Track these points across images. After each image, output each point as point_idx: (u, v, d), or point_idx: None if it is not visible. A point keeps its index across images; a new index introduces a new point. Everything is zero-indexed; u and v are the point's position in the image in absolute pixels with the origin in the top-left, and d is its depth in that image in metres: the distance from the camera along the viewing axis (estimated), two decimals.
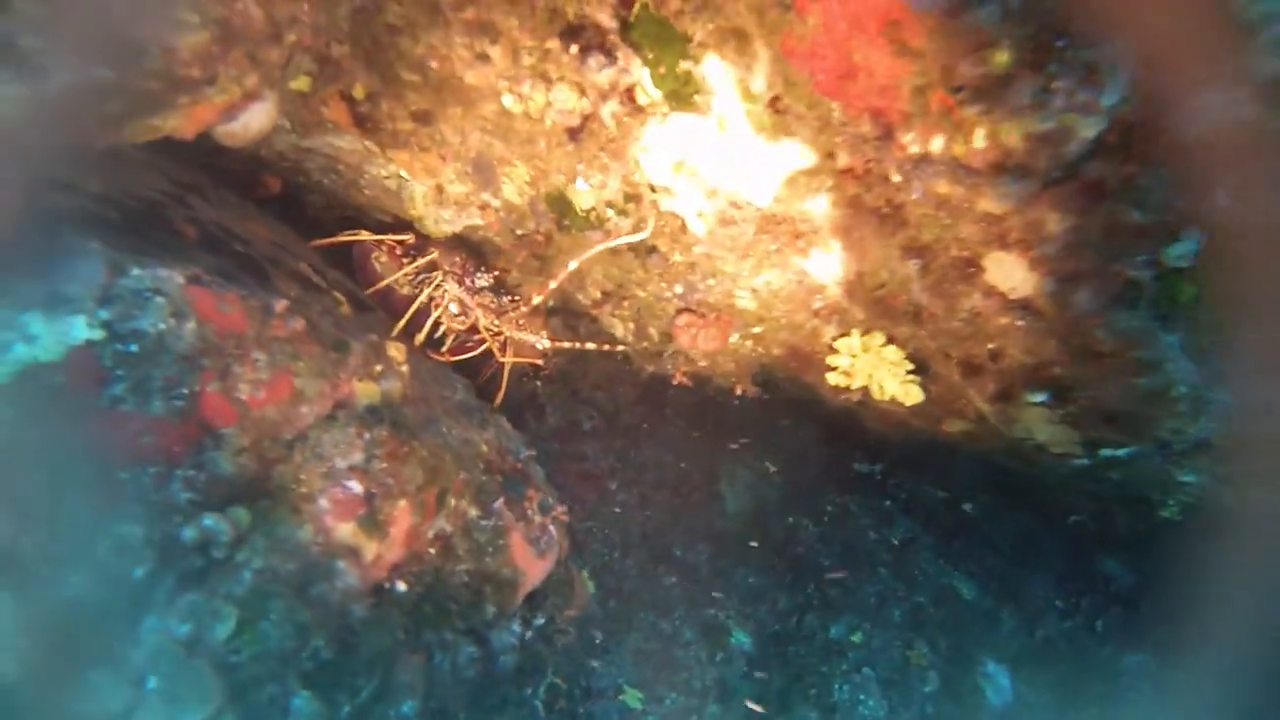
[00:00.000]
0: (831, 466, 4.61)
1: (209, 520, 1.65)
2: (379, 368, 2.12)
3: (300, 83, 2.00)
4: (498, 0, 1.78)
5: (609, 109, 1.84)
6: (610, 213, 2.37)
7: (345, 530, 1.74)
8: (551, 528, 2.46)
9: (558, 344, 3.24)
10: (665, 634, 3.66)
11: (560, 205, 2.39)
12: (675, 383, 2.82)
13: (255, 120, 1.98)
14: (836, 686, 3.70)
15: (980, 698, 3.80)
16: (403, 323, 2.88)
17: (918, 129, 1.35)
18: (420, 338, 2.97)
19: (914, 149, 1.37)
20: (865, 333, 2.01)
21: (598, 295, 2.72)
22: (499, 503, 2.32)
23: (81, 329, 1.50)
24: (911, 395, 2.08)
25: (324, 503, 1.72)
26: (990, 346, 1.65)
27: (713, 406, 4.11)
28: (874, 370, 2.10)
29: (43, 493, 1.49)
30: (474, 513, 2.19)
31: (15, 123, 1.26)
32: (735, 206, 1.85)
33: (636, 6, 1.80)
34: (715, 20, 1.65)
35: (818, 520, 4.33)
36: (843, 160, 1.57)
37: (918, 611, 4.10)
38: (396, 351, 2.24)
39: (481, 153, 2.28)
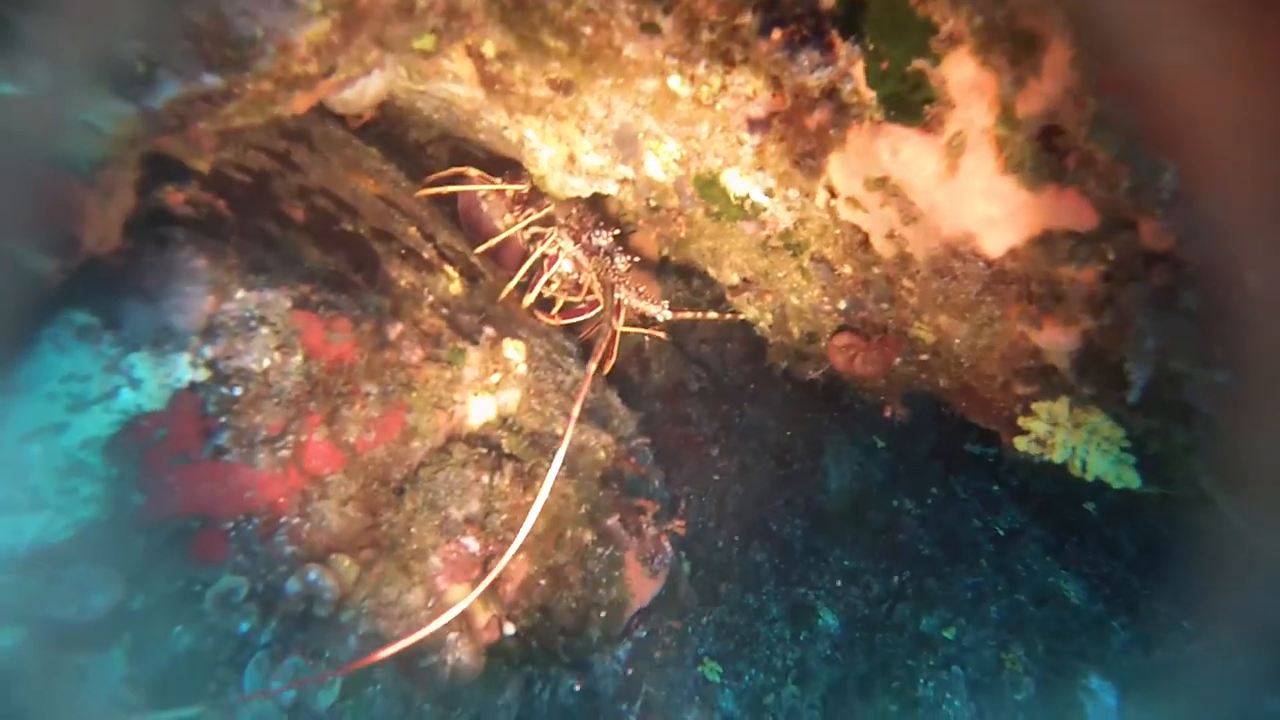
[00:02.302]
0: (942, 444, 4.26)
1: (313, 575, 1.48)
2: (496, 377, 1.87)
3: (424, 42, 1.63)
4: None
5: (815, 116, 1.44)
6: (767, 201, 1.98)
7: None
8: (666, 544, 2.25)
9: (679, 314, 2.93)
10: (751, 609, 3.52)
11: (711, 190, 2.01)
12: (808, 379, 2.50)
13: (372, 86, 1.65)
14: (922, 682, 3.51)
15: (1079, 713, 3.51)
16: (513, 283, 2.59)
17: None
18: (529, 300, 2.69)
19: None
20: (1083, 408, 1.65)
21: (735, 280, 2.36)
22: (614, 520, 2.10)
23: (185, 370, 1.32)
24: (1127, 478, 1.72)
25: (436, 561, 1.52)
26: None
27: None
28: (1079, 445, 1.74)
29: (151, 551, 1.34)
30: (589, 538, 1.98)
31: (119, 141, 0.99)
32: (955, 256, 1.45)
33: None
34: (990, 11, 1.20)
35: (920, 503, 4.04)
36: (1164, 243, 1.15)
37: (1017, 610, 3.83)
38: (515, 351, 1.97)
39: (627, 125, 1.90)
